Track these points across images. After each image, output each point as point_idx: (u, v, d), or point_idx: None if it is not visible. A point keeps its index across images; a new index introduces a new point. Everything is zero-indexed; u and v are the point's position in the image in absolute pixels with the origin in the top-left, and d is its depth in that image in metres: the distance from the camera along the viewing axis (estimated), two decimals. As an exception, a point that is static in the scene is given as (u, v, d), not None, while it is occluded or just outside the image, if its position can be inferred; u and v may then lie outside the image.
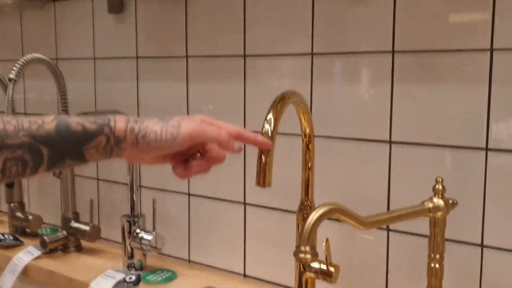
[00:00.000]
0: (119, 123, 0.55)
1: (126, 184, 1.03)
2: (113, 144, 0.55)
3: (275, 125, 0.66)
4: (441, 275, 0.69)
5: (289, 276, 0.90)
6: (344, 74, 0.85)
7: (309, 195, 0.81)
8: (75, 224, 1.12)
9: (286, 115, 0.78)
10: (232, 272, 1.01)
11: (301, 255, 0.56)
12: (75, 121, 0.54)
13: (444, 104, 0.76)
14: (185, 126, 0.56)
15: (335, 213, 0.60)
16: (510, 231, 0.72)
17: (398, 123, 0.80)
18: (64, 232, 1.12)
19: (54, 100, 1.25)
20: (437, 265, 0.69)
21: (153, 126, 0.56)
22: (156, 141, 0.55)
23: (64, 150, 0.53)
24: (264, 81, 0.93)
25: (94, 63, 1.19)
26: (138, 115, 1.12)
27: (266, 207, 0.95)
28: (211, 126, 0.58)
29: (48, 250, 1.09)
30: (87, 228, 1.10)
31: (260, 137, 0.62)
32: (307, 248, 0.56)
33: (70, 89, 1.16)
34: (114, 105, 1.15)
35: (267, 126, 0.65)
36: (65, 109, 1.13)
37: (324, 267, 0.79)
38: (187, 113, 1.04)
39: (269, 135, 0.65)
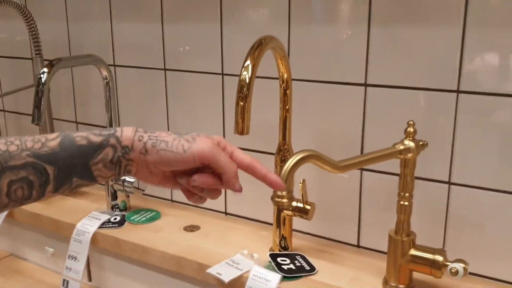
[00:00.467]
0: (126, 131, 0.53)
1: (106, 127, 1.03)
2: (121, 155, 0.52)
3: (253, 72, 0.66)
4: (409, 211, 0.73)
5: (268, 213, 0.95)
6: (322, 14, 0.85)
7: (286, 139, 0.83)
8: (57, 167, 1.13)
9: (264, 58, 0.79)
10: (214, 210, 1.05)
11: (278, 199, 0.59)
12: (79, 135, 0.51)
13: (419, 46, 0.77)
14: (199, 142, 0.53)
15: (310, 159, 0.62)
16: (475, 169, 0.76)
17: (374, 66, 0.81)
18: (47, 175, 1.13)
19: (26, 40, 1.22)
20: (406, 203, 0.73)
21: (165, 137, 0.53)
22: (166, 150, 0.52)
23: (70, 166, 0.50)
24: (242, 21, 0.92)
25: (65, 2, 1.15)
26: (113, 57, 1.10)
27: (245, 149, 0.98)
28: (225, 155, 0.54)
29: (32, 193, 1.11)
30: (69, 171, 1.11)
31: (271, 175, 0.55)
32: (284, 193, 0.59)
33: (42, 30, 1.13)
34: (88, 47, 1.13)
35: (244, 73, 0.66)
36: (38, 52, 1.10)
37: (300, 205, 0.83)
38: (163, 54, 1.03)
39: (247, 82, 0.66)
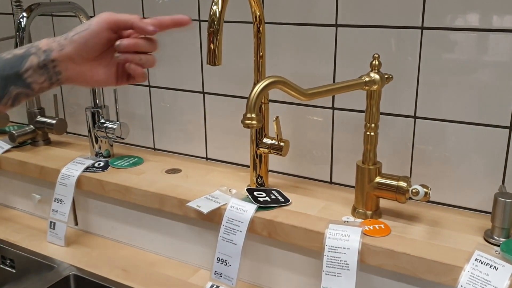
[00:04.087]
0: (43, 40, 0.58)
1: (88, 77, 1.06)
2: (44, 58, 0.57)
3: (222, 6, 0.69)
4: (375, 141, 0.77)
5: (247, 158, 0.99)
6: (293, -41, 0.87)
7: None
8: (41, 119, 1.16)
9: (239, 3, 0.81)
10: (195, 156, 1.09)
11: (247, 122, 0.63)
12: (5, 52, 0.57)
13: (385, -14, 0.80)
14: (98, 15, 0.59)
15: (277, 85, 0.66)
16: (440, 102, 0.80)
17: (343, 7, 0.84)
18: (32, 126, 1.16)
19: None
20: (372, 133, 0.77)
21: (72, 29, 0.59)
22: (77, 33, 0.58)
23: (4, 77, 0.55)
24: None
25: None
26: (93, 9, 1.12)
27: (222, 95, 1.01)
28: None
29: (17, 143, 1.14)
30: (53, 121, 1.14)
31: (177, 16, 0.60)
32: (253, 115, 0.63)
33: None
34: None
35: (214, 7, 0.69)
36: (18, 4, 1.11)
37: (275, 142, 0.87)
38: (142, 3, 1.05)
39: (217, 15, 0.69)
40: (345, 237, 0.73)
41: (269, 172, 0.92)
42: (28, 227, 1.08)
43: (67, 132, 1.26)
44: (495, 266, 0.65)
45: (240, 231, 0.80)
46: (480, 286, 0.64)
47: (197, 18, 0.99)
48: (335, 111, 0.90)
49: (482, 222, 0.78)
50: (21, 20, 0.85)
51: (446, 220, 0.79)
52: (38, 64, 0.57)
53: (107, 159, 1.06)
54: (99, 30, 0.58)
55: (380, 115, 0.78)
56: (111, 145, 1.09)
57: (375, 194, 0.78)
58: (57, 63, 0.58)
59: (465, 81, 0.78)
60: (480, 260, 0.66)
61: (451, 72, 0.78)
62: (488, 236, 0.73)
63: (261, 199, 0.85)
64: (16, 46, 0.86)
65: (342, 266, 0.72)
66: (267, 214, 0.81)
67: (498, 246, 0.70)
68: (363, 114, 0.78)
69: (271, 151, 0.88)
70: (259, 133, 0.88)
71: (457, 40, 0.77)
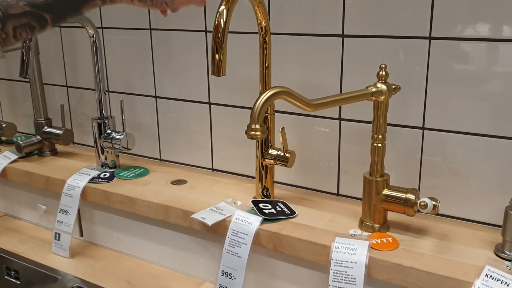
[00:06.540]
0: None
1: (94, 90, 1.06)
2: (109, 3, 0.60)
3: (227, 16, 0.69)
4: (383, 153, 0.76)
5: (253, 169, 0.98)
6: (300, -30, 0.87)
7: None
8: (48, 129, 1.16)
9: (245, 14, 0.81)
10: (201, 167, 1.08)
11: (251, 133, 0.62)
12: None
13: (392, -4, 0.79)
14: None
15: (281, 95, 0.65)
16: (448, 113, 0.79)
17: (350, 17, 0.83)
18: (38, 136, 1.16)
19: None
20: (379, 144, 0.76)
21: None
22: None
23: (65, 12, 0.57)
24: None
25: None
26: (101, 20, 1.12)
27: (227, 105, 1.00)
28: None
29: (24, 154, 1.14)
30: (60, 132, 1.14)
31: None
32: (257, 126, 0.62)
33: None
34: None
35: (219, 17, 0.68)
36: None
37: (281, 153, 0.86)
38: (149, 15, 1.05)
39: (222, 26, 0.68)
40: (352, 251, 0.72)
41: (275, 184, 0.91)
42: (33, 238, 1.07)
43: (74, 143, 1.26)
44: (506, 282, 0.63)
45: (245, 244, 0.79)
46: (491, 302, 0.62)
47: (204, 29, 0.99)
48: (342, 122, 0.89)
49: (493, 236, 0.76)
50: (28, 31, 0.85)
51: (455, 234, 0.77)
52: (100, 5, 0.59)
53: (113, 170, 1.06)
54: None
55: (388, 126, 0.77)
56: (117, 156, 1.09)
57: (382, 206, 0.77)
58: (118, 2, 0.61)
59: (474, 92, 0.76)
60: (491, 276, 0.64)
61: (460, 83, 0.77)
62: (499, 251, 0.71)
63: (266, 211, 0.84)
64: (23, 56, 0.86)
65: (349, 281, 0.70)
66: (272, 227, 0.80)
67: (510, 261, 0.68)
68: (370, 125, 0.76)
69: (277, 162, 0.87)
70: (265, 144, 0.87)
71: (466, 50, 0.76)
